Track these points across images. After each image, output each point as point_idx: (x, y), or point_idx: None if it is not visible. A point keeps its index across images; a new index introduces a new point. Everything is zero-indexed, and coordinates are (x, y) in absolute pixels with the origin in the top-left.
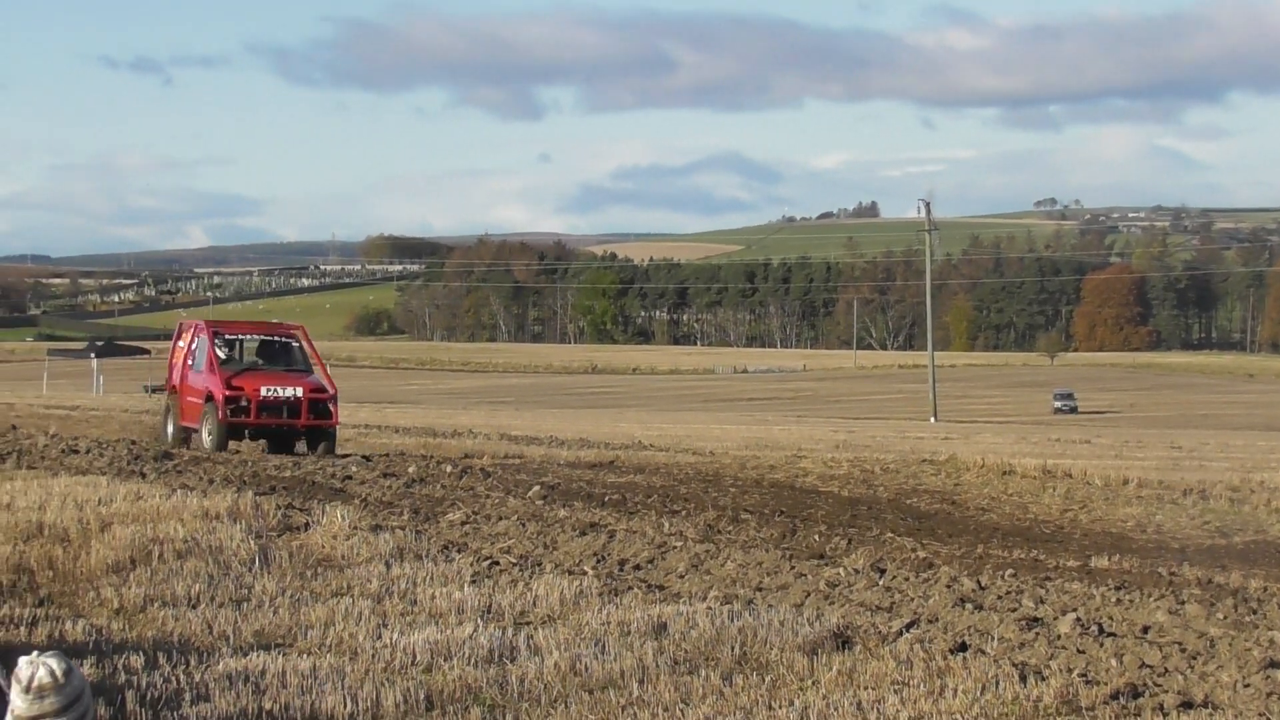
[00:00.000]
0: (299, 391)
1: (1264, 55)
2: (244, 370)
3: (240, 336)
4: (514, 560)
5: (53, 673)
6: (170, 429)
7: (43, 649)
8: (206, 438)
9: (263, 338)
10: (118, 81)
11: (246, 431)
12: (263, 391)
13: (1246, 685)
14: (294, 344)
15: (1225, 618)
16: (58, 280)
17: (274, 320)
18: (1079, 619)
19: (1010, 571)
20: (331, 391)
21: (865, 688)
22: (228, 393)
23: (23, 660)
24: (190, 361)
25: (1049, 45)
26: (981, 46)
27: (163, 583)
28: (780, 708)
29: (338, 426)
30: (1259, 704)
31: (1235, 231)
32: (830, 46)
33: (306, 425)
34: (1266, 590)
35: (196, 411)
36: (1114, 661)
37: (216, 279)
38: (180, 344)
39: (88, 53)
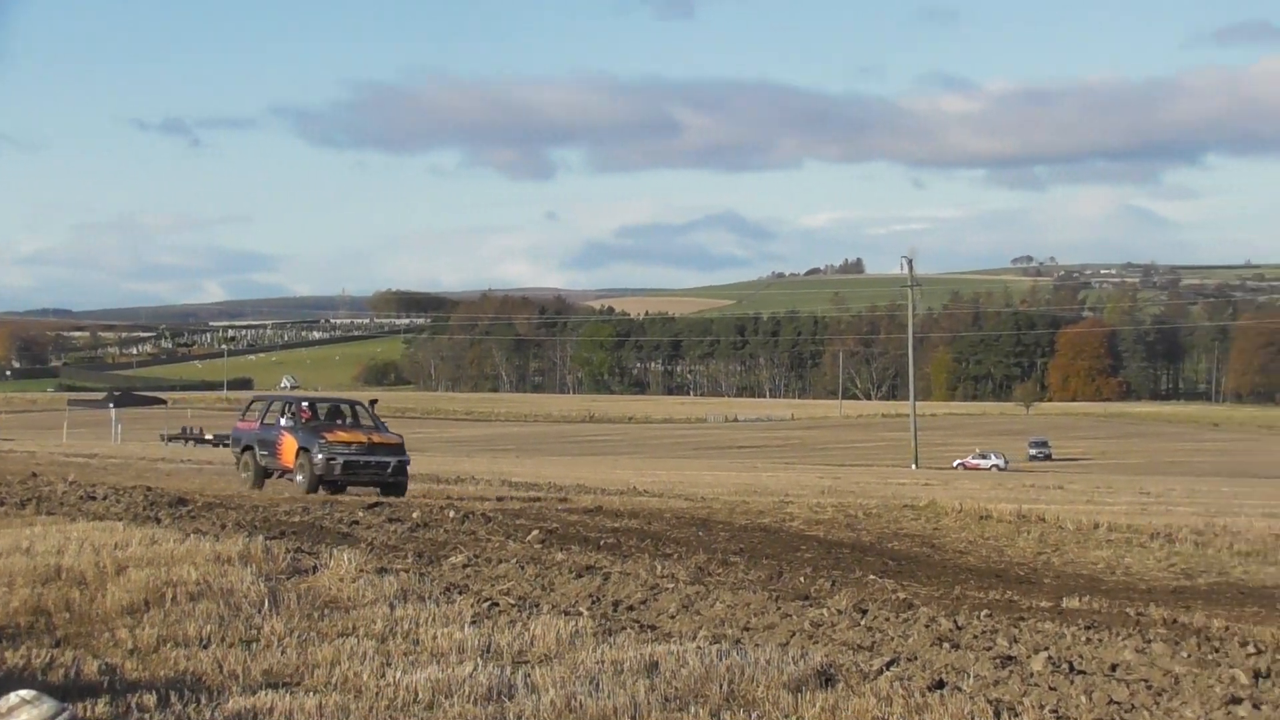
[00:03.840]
0: None
1: (1240, 119)
2: None
3: None
4: (513, 601)
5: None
6: None
7: (34, 687)
8: None
9: None
10: (146, 143)
11: None
12: None
13: None
14: None
15: (1189, 656)
16: (78, 333)
17: None
18: (1051, 657)
19: (986, 612)
20: None
21: None
22: None
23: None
24: None
25: (1037, 109)
26: (973, 110)
27: (175, 624)
28: None
29: None
30: None
31: (1202, 287)
32: (829, 110)
33: None
34: (1229, 629)
35: None
36: (1084, 698)
37: (231, 332)
38: None
39: (120, 115)
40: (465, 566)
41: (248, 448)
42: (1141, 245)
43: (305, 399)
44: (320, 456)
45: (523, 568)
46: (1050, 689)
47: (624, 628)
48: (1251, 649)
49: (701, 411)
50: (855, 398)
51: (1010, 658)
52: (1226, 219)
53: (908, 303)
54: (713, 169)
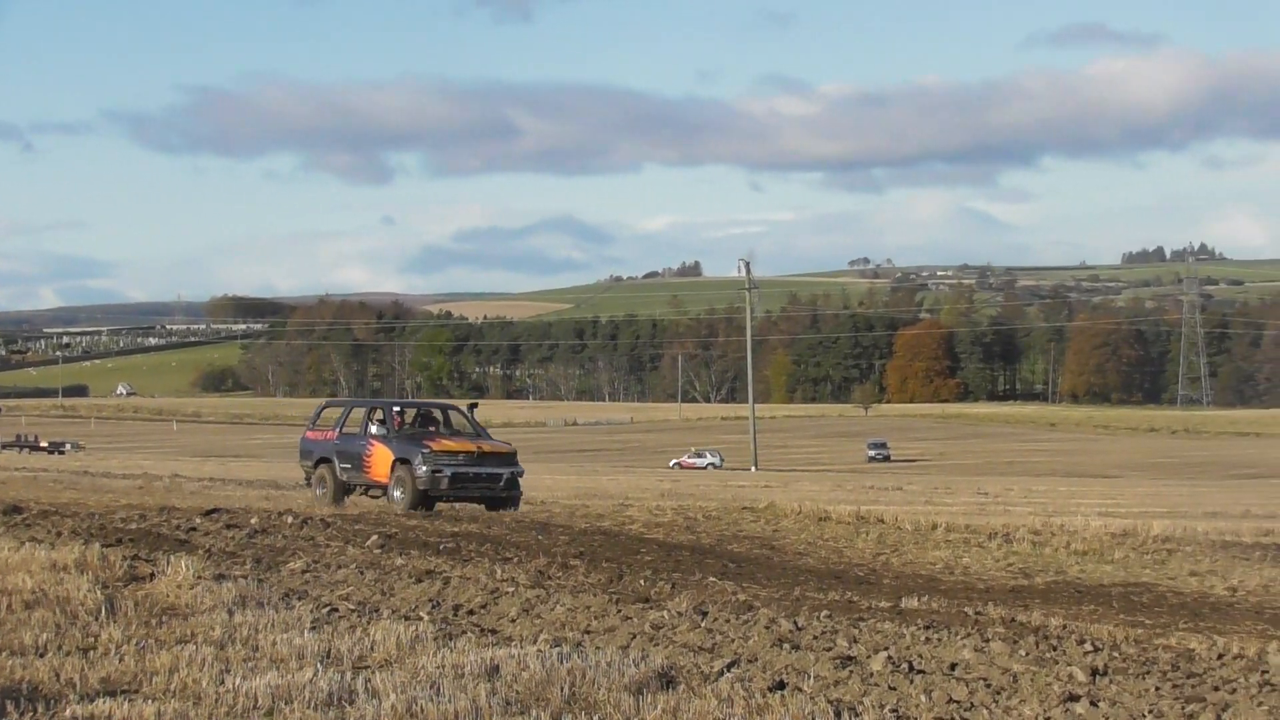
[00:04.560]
0: None
1: (1074, 121)
2: None
3: None
4: (353, 607)
5: None
6: None
7: None
8: None
9: None
10: None
11: None
12: None
13: (1047, 718)
14: None
15: (1027, 654)
16: None
17: None
18: (890, 657)
19: (826, 613)
20: None
21: None
22: None
23: None
24: None
25: (873, 111)
26: (809, 113)
27: (11, 632)
28: None
29: None
30: None
31: (1037, 289)
32: (666, 114)
33: None
34: (1066, 628)
35: None
36: (923, 697)
37: (65, 339)
38: None
39: None
40: (304, 572)
41: (323, 460)
42: (978, 247)
43: (394, 403)
44: (425, 469)
45: (362, 573)
46: (890, 689)
47: (464, 632)
48: (1089, 647)
49: (541, 415)
50: (694, 400)
51: (850, 658)
52: (1061, 220)
53: (746, 305)
54: (550, 172)
